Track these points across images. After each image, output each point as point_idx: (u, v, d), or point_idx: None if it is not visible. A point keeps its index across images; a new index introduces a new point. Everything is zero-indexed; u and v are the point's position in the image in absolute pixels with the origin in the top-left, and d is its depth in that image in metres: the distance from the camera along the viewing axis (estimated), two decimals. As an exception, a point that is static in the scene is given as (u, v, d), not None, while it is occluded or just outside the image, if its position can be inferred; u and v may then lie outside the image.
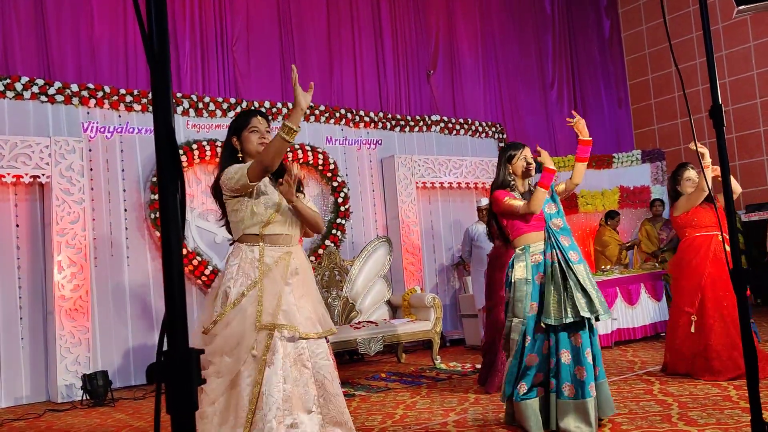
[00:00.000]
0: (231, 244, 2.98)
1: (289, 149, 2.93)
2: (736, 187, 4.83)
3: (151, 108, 6.74)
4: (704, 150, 4.44)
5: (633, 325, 6.87)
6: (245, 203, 2.85)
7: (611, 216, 8.77)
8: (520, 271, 3.57)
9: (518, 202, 3.62)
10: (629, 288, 6.91)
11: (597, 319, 3.50)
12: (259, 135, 2.94)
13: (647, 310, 7.04)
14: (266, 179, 2.94)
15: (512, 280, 3.59)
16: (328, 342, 2.97)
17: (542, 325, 3.47)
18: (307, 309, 2.87)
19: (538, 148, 3.82)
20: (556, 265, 3.52)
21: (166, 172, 0.83)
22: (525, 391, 3.46)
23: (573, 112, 4.01)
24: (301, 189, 3.07)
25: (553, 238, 3.58)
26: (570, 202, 9.39)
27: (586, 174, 3.97)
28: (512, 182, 3.78)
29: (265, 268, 2.82)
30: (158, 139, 0.85)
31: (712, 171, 4.67)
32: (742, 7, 2.11)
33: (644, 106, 11.90)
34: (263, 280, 2.80)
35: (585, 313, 3.40)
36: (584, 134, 3.80)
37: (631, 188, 9.73)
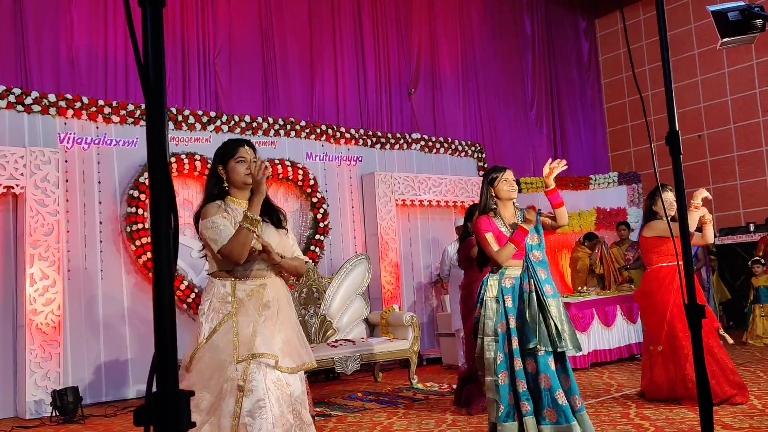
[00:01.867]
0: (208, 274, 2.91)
1: (269, 164, 2.90)
2: (709, 235, 4.89)
3: (129, 120, 6.72)
4: (706, 194, 4.62)
5: (609, 346, 6.91)
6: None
7: (589, 238, 8.85)
8: (491, 290, 3.61)
9: (494, 247, 3.62)
10: (606, 309, 6.95)
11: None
12: (245, 165, 2.88)
13: (623, 332, 7.08)
14: (242, 209, 2.84)
15: (483, 298, 3.62)
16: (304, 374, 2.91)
17: (526, 347, 3.47)
18: (278, 340, 2.78)
19: (532, 208, 3.67)
20: (534, 294, 3.54)
21: (161, 205, 0.80)
22: (502, 411, 3.44)
23: (552, 164, 3.82)
24: (283, 225, 3.01)
25: (531, 269, 3.61)
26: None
27: (563, 195, 3.98)
28: (494, 206, 3.75)
29: (238, 302, 2.75)
30: (152, 171, 0.82)
31: (702, 215, 4.78)
32: (726, 39, 2.14)
33: (621, 128, 12.07)
34: (237, 315, 2.73)
35: (560, 347, 3.45)
36: (550, 184, 3.71)
37: (608, 209, 9.83)
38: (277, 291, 2.86)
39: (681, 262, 1.83)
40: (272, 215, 2.94)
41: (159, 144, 0.81)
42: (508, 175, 3.76)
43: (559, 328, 3.49)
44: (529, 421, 3.42)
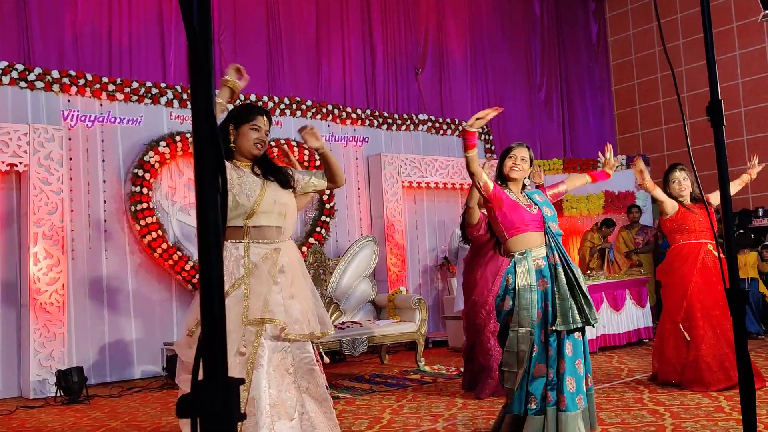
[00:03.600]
0: None
1: (274, 144, 2.87)
2: (733, 188, 4.84)
3: (134, 98, 6.61)
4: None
5: (618, 330, 6.85)
6: (229, 194, 2.74)
7: (607, 224, 8.74)
8: (522, 277, 3.29)
9: (480, 174, 3.39)
10: (615, 293, 6.88)
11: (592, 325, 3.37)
12: (258, 135, 2.83)
13: (632, 316, 7.02)
14: (248, 170, 2.84)
15: (516, 287, 3.31)
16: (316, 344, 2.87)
17: (552, 329, 3.27)
18: (296, 309, 2.75)
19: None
20: (560, 268, 3.29)
21: (207, 175, 0.71)
22: (536, 405, 3.23)
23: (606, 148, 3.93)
24: (291, 184, 2.97)
25: (553, 241, 3.36)
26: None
27: (570, 177, 3.85)
28: (499, 183, 3.55)
29: (251, 265, 2.70)
30: (197, 146, 0.73)
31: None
32: (768, 10, 2.03)
33: (629, 111, 11.92)
34: (249, 279, 2.68)
35: (593, 319, 3.27)
36: (611, 168, 3.71)
37: (616, 193, 9.73)
38: (291, 256, 2.83)
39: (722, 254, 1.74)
40: (278, 175, 2.90)
41: (206, 109, 0.72)
42: (518, 152, 3.50)
43: (589, 297, 3.29)
44: (551, 411, 3.21)
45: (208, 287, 0.68)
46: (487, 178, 3.40)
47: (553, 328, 3.21)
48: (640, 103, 11.77)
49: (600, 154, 3.92)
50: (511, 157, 3.51)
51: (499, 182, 3.55)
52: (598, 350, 6.57)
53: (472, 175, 3.39)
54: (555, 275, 3.29)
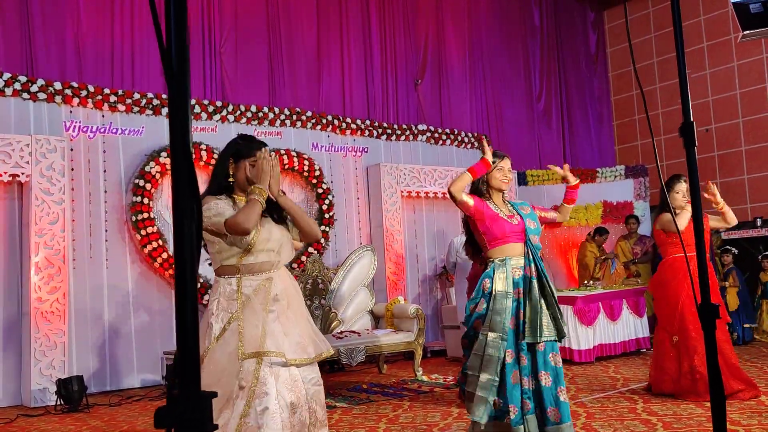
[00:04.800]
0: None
1: (275, 154, 2.86)
2: (730, 217, 4.89)
3: (135, 109, 6.69)
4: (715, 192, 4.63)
5: (614, 340, 6.89)
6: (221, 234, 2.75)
7: (600, 232, 8.81)
8: (501, 283, 3.34)
9: (467, 200, 3.45)
10: (612, 303, 6.92)
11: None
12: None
13: (629, 326, 7.06)
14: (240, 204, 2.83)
15: (493, 292, 3.34)
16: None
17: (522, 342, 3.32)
18: (295, 334, 2.77)
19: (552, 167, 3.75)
20: (535, 281, 3.33)
21: (182, 193, 0.77)
22: (515, 415, 3.24)
23: (551, 166, 3.94)
24: (287, 221, 2.96)
25: (532, 253, 3.39)
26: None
27: (561, 210, 3.84)
28: (485, 192, 3.60)
29: (244, 299, 2.72)
30: (174, 157, 0.79)
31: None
32: (748, 32, 2.10)
33: (628, 121, 11.99)
34: (243, 311, 2.69)
35: (563, 333, 3.32)
36: (572, 180, 3.71)
37: (615, 203, 9.78)
38: (285, 282, 2.83)
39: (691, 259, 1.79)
40: (273, 212, 2.91)
41: (182, 131, 0.78)
42: (505, 163, 3.55)
43: (561, 314, 3.34)
44: (532, 420, 3.25)
45: (183, 309, 0.75)
46: (465, 197, 3.45)
47: (524, 340, 3.26)
48: (639, 114, 11.84)
49: (555, 168, 3.88)
50: (500, 169, 3.55)
51: (484, 190, 3.58)
52: (595, 360, 6.61)
53: (451, 193, 3.43)
54: (529, 287, 3.33)
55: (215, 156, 6.93)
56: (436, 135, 9.09)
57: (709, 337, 1.68)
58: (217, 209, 2.71)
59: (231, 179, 2.83)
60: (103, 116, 6.63)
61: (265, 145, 2.88)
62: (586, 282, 7.84)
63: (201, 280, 6.76)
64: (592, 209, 9.58)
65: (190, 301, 0.77)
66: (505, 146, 10.26)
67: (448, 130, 9.25)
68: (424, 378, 6.21)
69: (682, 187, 4.96)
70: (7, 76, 6.16)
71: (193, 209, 0.77)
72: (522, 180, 9.75)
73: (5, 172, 5.93)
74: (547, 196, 9.47)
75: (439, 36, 9.91)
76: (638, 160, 11.40)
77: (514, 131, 10.67)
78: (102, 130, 6.59)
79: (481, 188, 3.58)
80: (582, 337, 6.60)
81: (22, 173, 5.99)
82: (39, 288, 5.91)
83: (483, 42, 10.45)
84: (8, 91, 6.14)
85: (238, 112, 7.36)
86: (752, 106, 10.32)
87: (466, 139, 9.36)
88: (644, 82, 11.73)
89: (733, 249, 8.39)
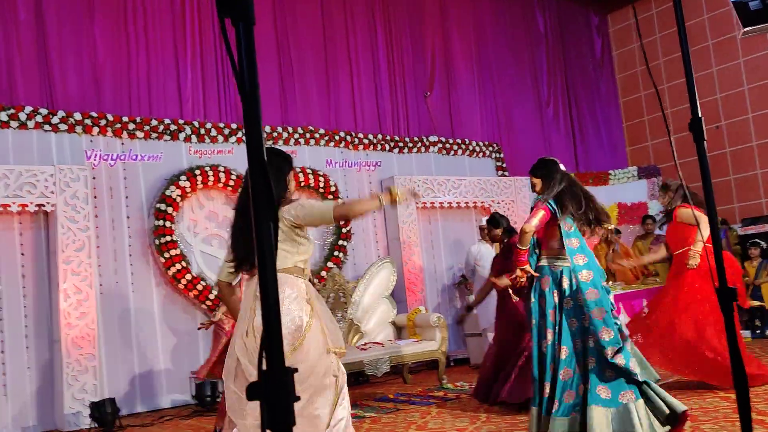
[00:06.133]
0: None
1: (291, 171, 3.08)
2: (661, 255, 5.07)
3: (153, 135, 6.85)
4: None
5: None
6: (308, 236, 2.96)
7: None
8: (546, 283, 3.81)
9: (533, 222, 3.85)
10: (632, 303, 6.97)
11: None
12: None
13: (650, 325, 7.08)
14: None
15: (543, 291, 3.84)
16: None
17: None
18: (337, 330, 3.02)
19: None
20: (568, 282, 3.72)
21: (260, 197, 0.90)
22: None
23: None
24: None
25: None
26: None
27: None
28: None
29: (313, 296, 2.93)
30: (252, 165, 0.92)
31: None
32: (748, 28, 2.19)
33: (638, 122, 12.05)
34: (317, 309, 2.90)
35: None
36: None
37: (629, 204, 9.83)
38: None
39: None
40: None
41: (256, 145, 0.90)
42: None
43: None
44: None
45: (267, 297, 0.87)
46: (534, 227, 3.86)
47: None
48: (648, 114, 11.90)
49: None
50: None
51: None
52: (618, 360, 6.65)
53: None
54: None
55: (233, 177, 7.07)
56: (447, 145, 9.20)
57: (729, 321, 1.75)
58: (320, 204, 2.96)
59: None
60: (122, 143, 6.79)
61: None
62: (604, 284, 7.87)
63: (215, 292, 6.84)
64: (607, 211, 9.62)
65: (271, 288, 0.87)
66: (517, 153, 10.35)
67: (459, 140, 9.36)
68: (450, 386, 6.27)
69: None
70: (28, 109, 6.34)
71: (272, 210, 0.89)
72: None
73: (31, 203, 6.09)
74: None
75: (446, 47, 10.04)
76: (650, 161, 11.45)
77: (525, 137, 10.76)
78: (122, 157, 6.76)
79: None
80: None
81: (48, 203, 6.15)
82: (68, 314, 6.05)
83: (489, 51, 10.57)
84: (30, 123, 6.32)
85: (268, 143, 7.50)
86: (761, 102, 10.37)
87: (477, 149, 9.46)
88: (651, 83, 11.79)
89: (762, 242, 8.38)
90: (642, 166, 10.17)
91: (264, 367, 0.87)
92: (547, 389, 3.63)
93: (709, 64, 10.90)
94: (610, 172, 10.03)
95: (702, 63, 10.92)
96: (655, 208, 9.80)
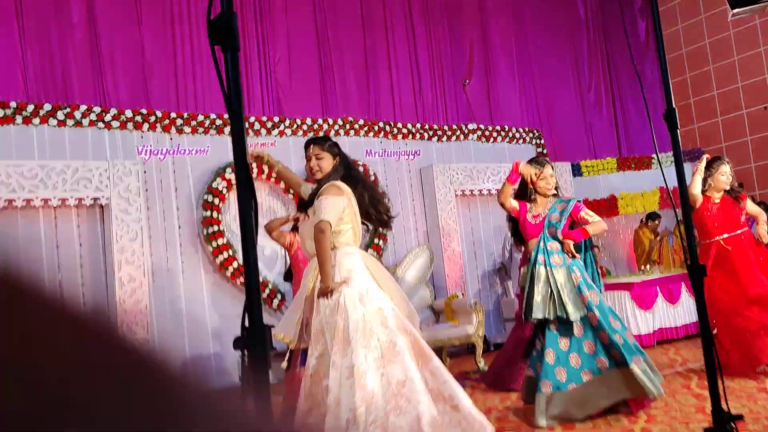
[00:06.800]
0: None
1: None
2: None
3: (200, 130, 7.18)
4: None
5: (675, 324, 6.94)
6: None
7: (651, 218, 8.85)
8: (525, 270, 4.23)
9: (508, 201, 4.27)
10: (670, 287, 6.98)
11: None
12: (307, 165, 3.81)
13: (689, 309, 7.08)
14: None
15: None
16: None
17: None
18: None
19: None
20: (540, 266, 4.04)
21: (244, 195, 1.10)
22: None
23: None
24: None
25: (543, 243, 4.04)
26: (610, 204, 9.46)
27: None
28: (532, 196, 4.11)
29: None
30: (238, 173, 1.13)
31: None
32: (737, 10, 2.28)
33: (683, 105, 11.87)
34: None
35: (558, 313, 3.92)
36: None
37: (672, 188, 9.72)
38: None
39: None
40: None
41: (241, 151, 1.11)
42: (547, 170, 4.06)
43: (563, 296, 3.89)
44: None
45: (248, 267, 1.07)
46: (512, 203, 4.20)
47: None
48: (694, 96, 11.72)
49: None
50: (543, 178, 4.19)
51: (532, 196, 4.19)
52: (656, 344, 6.69)
53: (500, 202, 4.19)
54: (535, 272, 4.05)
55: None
56: (487, 133, 9.28)
57: (699, 296, 1.88)
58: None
59: None
60: (171, 139, 7.14)
61: (308, 141, 3.95)
62: (642, 267, 7.89)
63: (260, 278, 7.17)
64: (648, 196, 9.57)
65: (252, 263, 1.08)
66: (558, 139, 10.37)
67: (498, 127, 9.43)
68: (486, 369, 6.42)
69: (726, 169, 5.05)
70: (83, 108, 6.73)
71: (252, 207, 1.11)
72: (576, 171, 9.81)
73: (87, 196, 6.48)
74: (602, 186, 9.53)
75: (484, 35, 10.10)
76: (695, 144, 11.29)
77: (566, 123, 10.75)
78: (171, 151, 7.10)
79: (529, 194, 4.23)
80: (641, 321, 6.69)
81: (102, 196, 6.54)
82: (124, 301, 6.43)
83: (528, 38, 10.58)
84: (85, 122, 6.71)
85: (295, 125, 7.78)
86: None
87: (517, 135, 9.53)
88: (697, 64, 11.61)
89: None
90: (686, 150, 10.05)
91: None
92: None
93: (756, 44, 10.67)
94: (653, 156, 9.94)
95: (749, 43, 10.70)
96: (699, 191, 9.67)
